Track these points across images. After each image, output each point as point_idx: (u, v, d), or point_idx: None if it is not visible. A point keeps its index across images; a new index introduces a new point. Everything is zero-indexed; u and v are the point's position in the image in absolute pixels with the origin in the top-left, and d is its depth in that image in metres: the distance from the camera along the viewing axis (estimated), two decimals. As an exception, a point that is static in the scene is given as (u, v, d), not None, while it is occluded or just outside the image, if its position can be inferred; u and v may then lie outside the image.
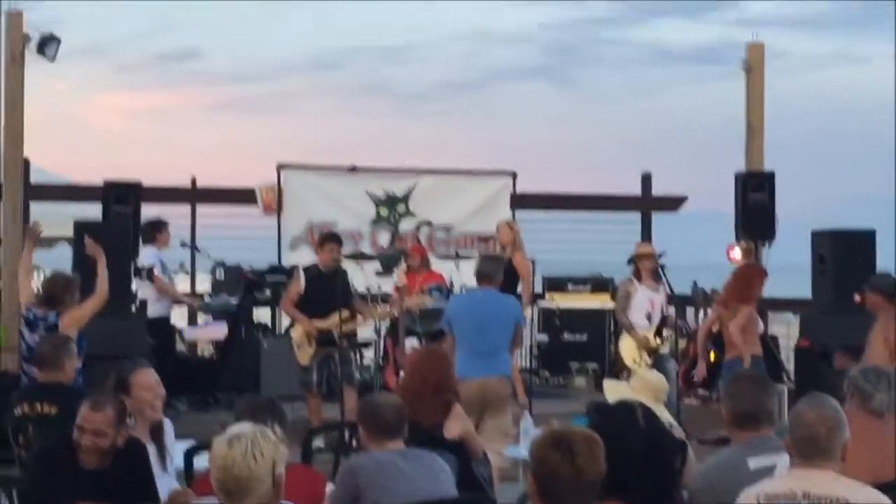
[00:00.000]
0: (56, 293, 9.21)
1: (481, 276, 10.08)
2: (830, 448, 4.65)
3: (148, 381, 6.55)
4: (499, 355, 9.74)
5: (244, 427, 3.90)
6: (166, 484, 6.20)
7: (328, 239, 11.97)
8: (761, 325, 11.53)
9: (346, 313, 11.33)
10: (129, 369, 6.54)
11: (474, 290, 10.47)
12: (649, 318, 12.33)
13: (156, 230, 13.18)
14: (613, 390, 6.98)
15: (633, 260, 12.60)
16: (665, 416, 6.92)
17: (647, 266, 12.40)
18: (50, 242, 16.86)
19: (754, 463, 5.27)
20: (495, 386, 9.66)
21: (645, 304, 12.35)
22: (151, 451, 6.31)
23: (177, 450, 6.88)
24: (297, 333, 11.64)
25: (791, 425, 4.73)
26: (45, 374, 7.75)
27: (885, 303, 10.07)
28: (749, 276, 11.52)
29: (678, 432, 7.24)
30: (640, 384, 6.96)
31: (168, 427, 6.80)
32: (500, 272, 10.09)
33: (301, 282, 11.59)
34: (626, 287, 12.51)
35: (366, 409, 5.94)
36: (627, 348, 12.34)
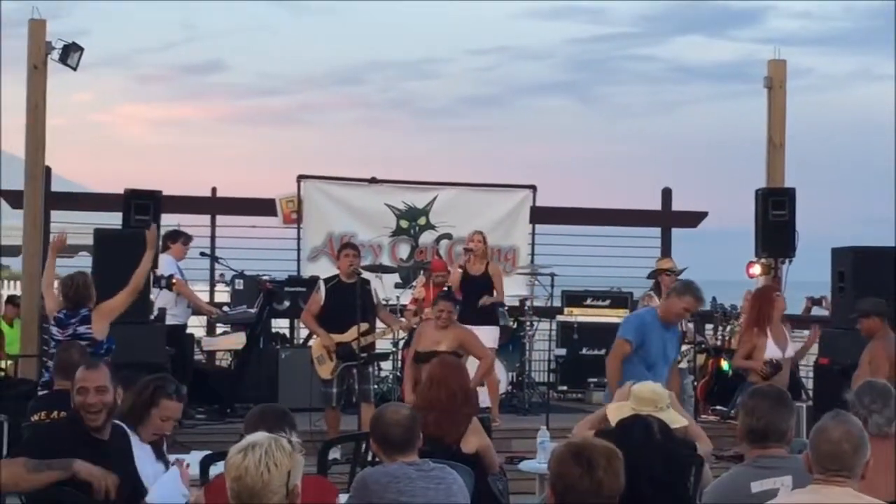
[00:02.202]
0: (80, 292, 9.35)
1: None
2: (854, 465, 4.62)
3: (171, 413, 6.51)
4: None
5: (260, 436, 3.87)
6: (168, 490, 6.23)
7: (345, 246, 12.01)
8: (774, 350, 11.33)
9: (364, 326, 11.33)
10: (166, 391, 6.51)
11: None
12: None
13: (169, 240, 13.20)
14: (615, 413, 6.92)
15: (654, 274, 12.59)
16: (680, 421, 6.92)
17: (667, 281, 12.39)
18: (71, 251, 16.92)
19: (757, 487, 5.24)
20: None
21: None
22: (148, 451, 6.38)
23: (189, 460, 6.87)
24: (316, 347, 11.62)
25: (815, 441, 4.69)
26: (63, 382, 7.75)
27: (881, 325, 10.41)
28: (761, 301, 11.43)
29: (702, 444, 7.25)
30: (637, 402, 6.92)
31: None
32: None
33: (322, 294, 11.56)
34: (646, 302, 12.48)
35: (376, 423, 5.89)
36: None
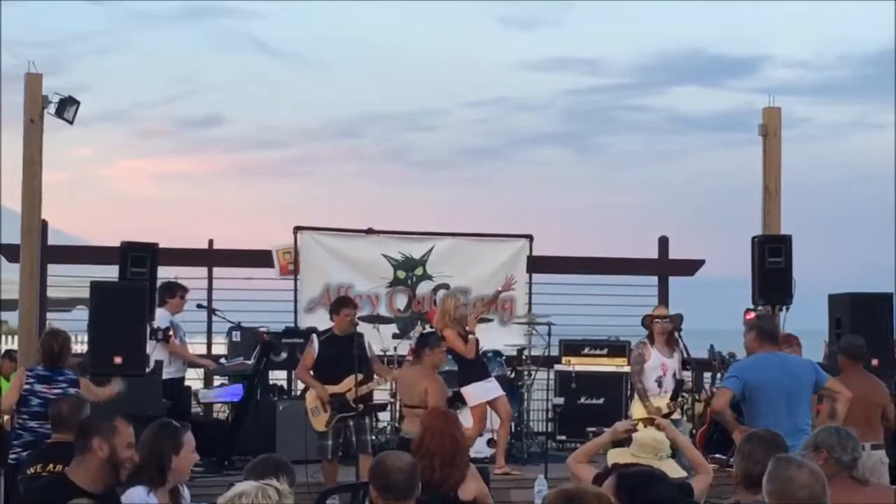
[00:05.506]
0: (66, 347, 9.37)
1: (769, 336, 9.39)
2: (827, 501, 4.66)
3: (192, 445, 6.53)
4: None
5: (247, 485, 3.88)
6: None
7: (344, 304, 11.98)
8: None
9: (360, 377, 11.34)
10: (182, 430, 6.50)
11: (770, 354, 9.30)
12: (660, 383, 12.24)
13: (166, 294, 13.16)
14: (615, 457, 6.92)
15: (645, 321, 12.56)
16: (678, 472, 6.91)
17: (658, 328, 12.33)
18: (68, 304, 16.93)
19: None
20: None
21: (657, 368, 12.26)
22: None
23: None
24: (311, 399, 11.64)
25: (787, 490, 4.68)
26: (60, 435, 7.74)
27: (845, 363, 10.65)
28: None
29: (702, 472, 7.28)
30: (638, 448, 6.94)
31: (186, 493, 6.77)
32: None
33: (315, 348, 11.63)
34: (640, 350, 12.43)
35: (378, 470, 5.88)
36: (639, 412, 12.24)
